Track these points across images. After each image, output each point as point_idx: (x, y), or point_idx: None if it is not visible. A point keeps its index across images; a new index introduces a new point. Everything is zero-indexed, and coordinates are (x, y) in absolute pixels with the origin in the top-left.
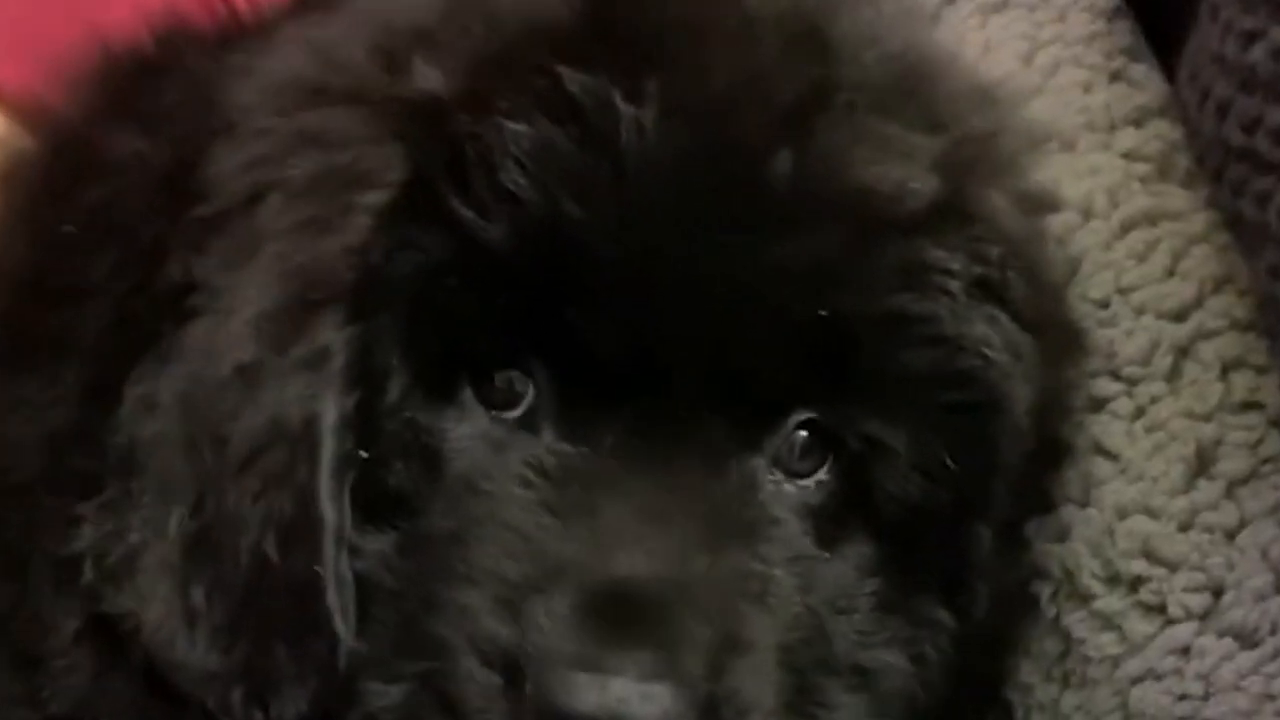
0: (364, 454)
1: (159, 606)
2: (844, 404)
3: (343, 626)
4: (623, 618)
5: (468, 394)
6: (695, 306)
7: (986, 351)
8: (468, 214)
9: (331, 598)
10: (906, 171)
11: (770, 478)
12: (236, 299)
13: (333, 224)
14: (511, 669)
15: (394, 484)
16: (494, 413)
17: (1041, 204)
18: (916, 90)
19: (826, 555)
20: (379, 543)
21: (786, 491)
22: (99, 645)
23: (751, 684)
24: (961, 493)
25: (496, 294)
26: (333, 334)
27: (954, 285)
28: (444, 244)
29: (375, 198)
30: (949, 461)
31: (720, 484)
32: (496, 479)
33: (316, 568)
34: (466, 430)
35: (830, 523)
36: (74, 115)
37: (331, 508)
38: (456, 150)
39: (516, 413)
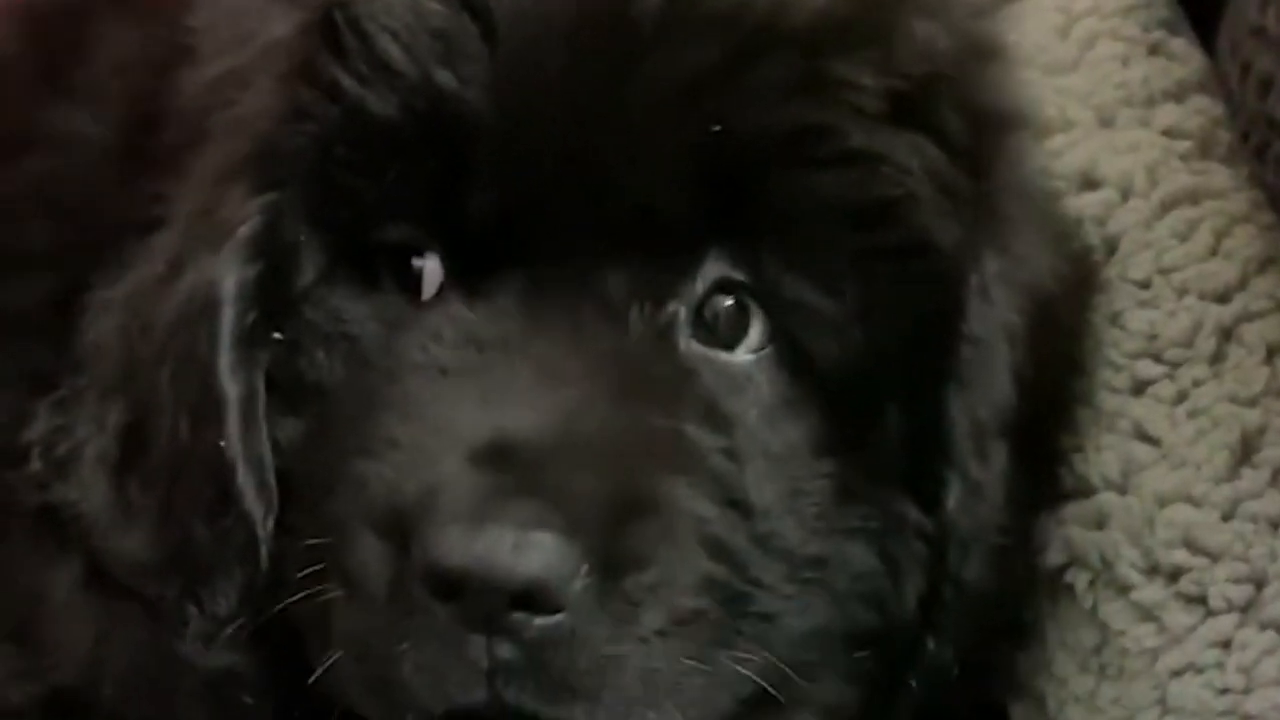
0: (277, 335)
1: (97, 499)
2: (760, 257)
3: (256, 506)
4: (509, 472)
5: (385, 280)
6: (574, 154)
7: (909, 182)
8: (351, 85)
9: (240, 476)
10: None
11: (696, 346)
12: (181, 201)
13: (239, 99)
14: (400, 533)
15: (313, 375)
16: (407, 295)
17: (991, 51)
18: None
19: (767, 429)
20: (295, 429)
21: (712, 356)
22: (94, 613)
23: (659, 550)
24: (924, 358)
25: (386, 166)
26: (237, 206)
27: (863, 100)
28: (332, 114)
29: (269, 64)
30: (891, 318)
31: (623, 338)
32: (397, 354)
33: (220, 444)
34: (380, 311)
35: (771, 394)
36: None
37: (234, 382)
38: (333, 18)
39: (431, 293)
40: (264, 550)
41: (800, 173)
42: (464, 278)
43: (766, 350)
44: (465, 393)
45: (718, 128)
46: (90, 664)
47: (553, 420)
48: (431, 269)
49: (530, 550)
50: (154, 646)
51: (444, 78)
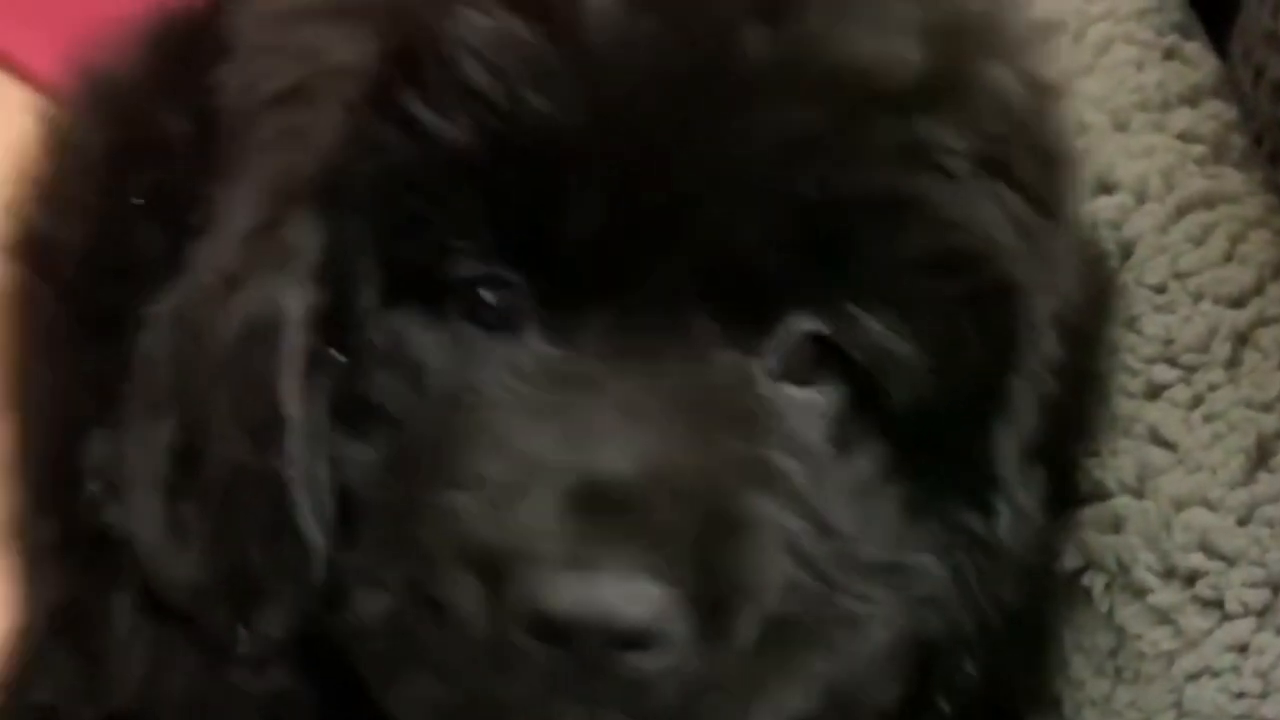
0: (340, 357)
1: (150, 522)
2: (845, 306)
3: (315, 530)
4: (605, 514)
5: (456, 309)
6: (673, 198)
7: (994, 233)
8: (427, 114)
9: (300, 499)
10: (893, 44)
11: (775, 385)
12: (227, 213)
13: (305, 125)
14: (495, 572)
15: (378, 398)
16: (482, 327)
17: (1051, 90)
18: None
19: (840, 458)
20: (364, 454)
21: (792, 393)
22: (150, 639)
23: (749, 563)
24: (979, 392)
25: (463, 198)
26: (301, 231)
27: (953, 162)
28: (406, 146)
29: (341, 93)
30: (965, 360)
31: (709, 377)
32: (479, 388)
33: (283, 468)
34: (448, 340)
35: (843, 428)
36: (129, 86)
37: (297, 406)
38: (411, 45)
39: (503, 325)
40: (318, 573)
41: (891, 234)
42: (545, 310)
43: (841, 388)
44: (553, 431)
45: (817, 193)
46: (147, 690)
47: (642, 459)
48: (504, 298)
49: (638, 596)
50: (208, 672)
51: (537, 101)
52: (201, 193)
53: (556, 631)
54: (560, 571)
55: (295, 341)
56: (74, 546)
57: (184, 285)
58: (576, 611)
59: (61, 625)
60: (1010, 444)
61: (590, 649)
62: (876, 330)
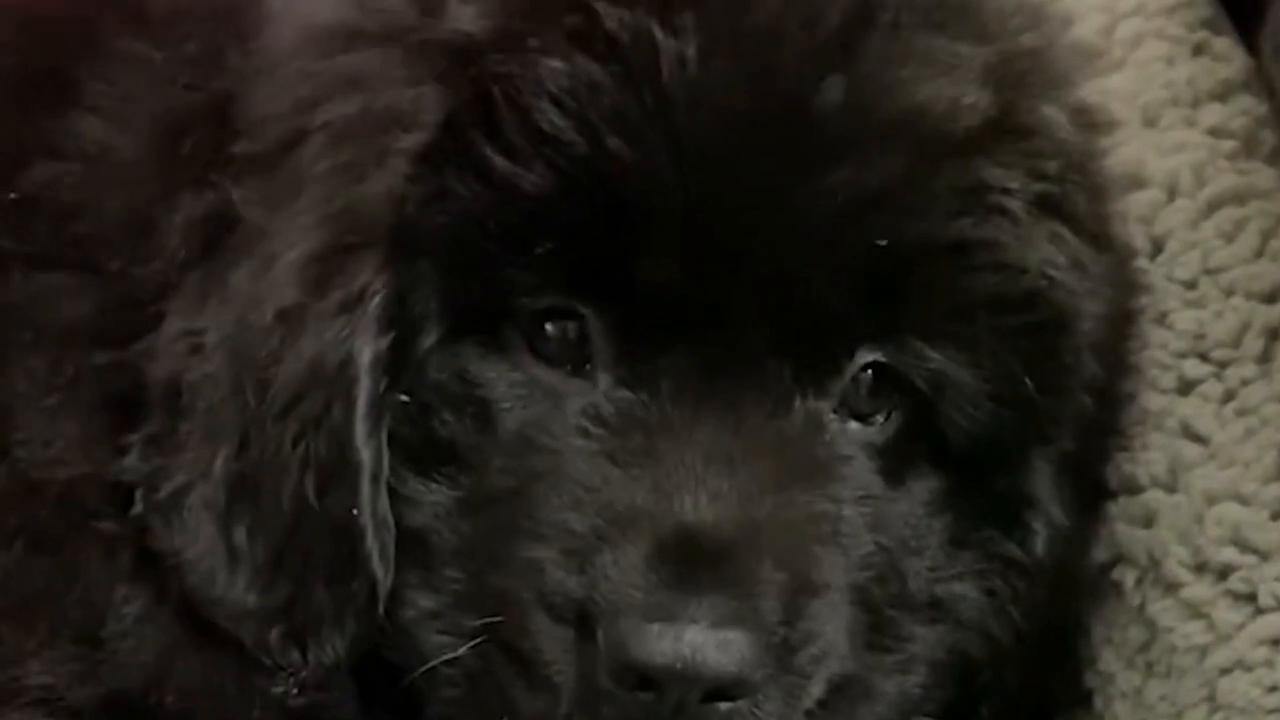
0: (404, 398)
1: (201, 544)
2: (908, 339)
3: (380, 569)
4: (693, 564)
5: (516, 343)
6: (749, 243)
7: (1051, 272)
8: (502, 161)
9: (369, 540)
10: (958, 88)
11: (836, 419)
12: (279, 243)
13: (370, 168)
14: (582, 621)
15: (445, 435)
16: (546, 361)
17: (1095, 119)
18: (962, 5)
19: (894, 493)
20: (437, 495)
21: (852, 431)
22: (165, 627)
23: (826, 626)
24: (1028, 420)
25: (537, 241)
26: (369, 276)
27: (1014, 204)
28: (479, 193)
29: (411, 140)
30: (1017, 389)
31: (785, 424)
32: (554, 431)
33: (354, 510)
34: (517, 379)
35: (897, 459)
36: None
37: (367, 449)
38: (489, 92)
39: (569, 361)
40: (381, 610)
41: (955, 276)
42: (619, 353)
43: (900, 420)
44: (637, 480)
45: (887, 238)
46: (155, 672)
47: (727, 510)
48: (573, 334)
49: (728, 648)
50: (228, 669)
51: (615, 145)
52: (224, 214)
53: (647, 680)
54: (652, 622)
55: (366, 386)
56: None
57: (228, 312)
58: (669, 661)
59: (64, 609)
60: (1048, 466)
61: (676, 696)
62: (937, 359)
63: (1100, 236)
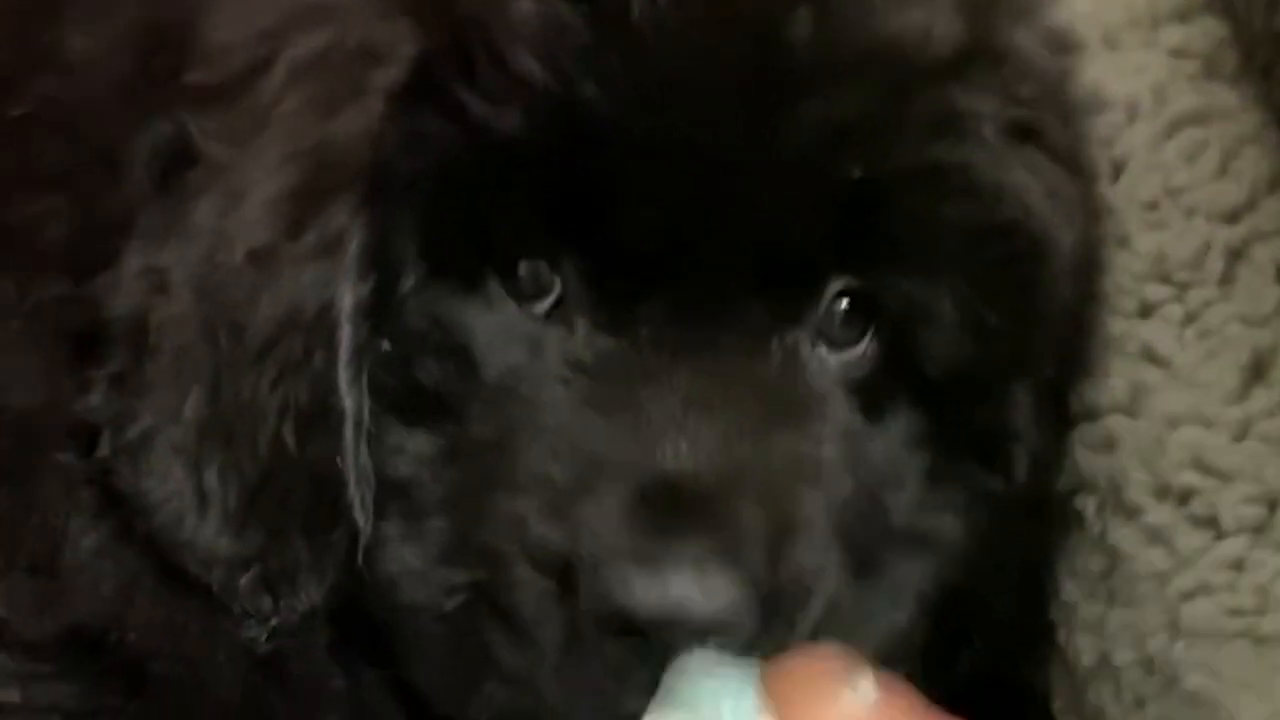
0: (386, 345)
1: (170, 487)
2: (883, 268)
3: (362, 517)
4: (675, 511)
5: (494, 287)
6: (723, 181)
7: (1028, 200)
8: (477, 103)
9: (352, 489)
10: (930, 16)
11: (813, 351)
12: (245, 179)
13: (344, 104)
14: (565, 573)
15: (427, 382)
16: (523, 305)
17: (1067, 43)
18: None
19: (873, 430)
20: (421, 445)
21: (830, 364)
22: (125, 559)
23: (811, 564)
24: (1005, 350)
25: (513, 185)
26: (347, 219)
27: (988, 130)
28: (455, 135)
29: (387, 77)
30: (994, 317)
31: (763, 365)
32: (534, 379)
33: (337, 458)
34: (495, 324)
35: (876, 395)
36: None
37: (350, 397)
38: (461, 33)
39: (545, 304)
40: (359, 559)
41: (930, 204)
42: (596, 298)
43: (877, 352)
44: (619, 428)
45: (862, 170)
46: (114, 608)
47: (710, 456)
48: (548, 278)
49: (713, 591)
50: (193, 610)
51: (587, 89)
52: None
53: (632, 629)
54: (636, 569)
55: (348, 333)
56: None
57: (192, 250)
58: (654, 608)
59: (20, 537)
60: (1028, 396)
61: (663, 641)
62: (912, 289)
63: (1074, 162)
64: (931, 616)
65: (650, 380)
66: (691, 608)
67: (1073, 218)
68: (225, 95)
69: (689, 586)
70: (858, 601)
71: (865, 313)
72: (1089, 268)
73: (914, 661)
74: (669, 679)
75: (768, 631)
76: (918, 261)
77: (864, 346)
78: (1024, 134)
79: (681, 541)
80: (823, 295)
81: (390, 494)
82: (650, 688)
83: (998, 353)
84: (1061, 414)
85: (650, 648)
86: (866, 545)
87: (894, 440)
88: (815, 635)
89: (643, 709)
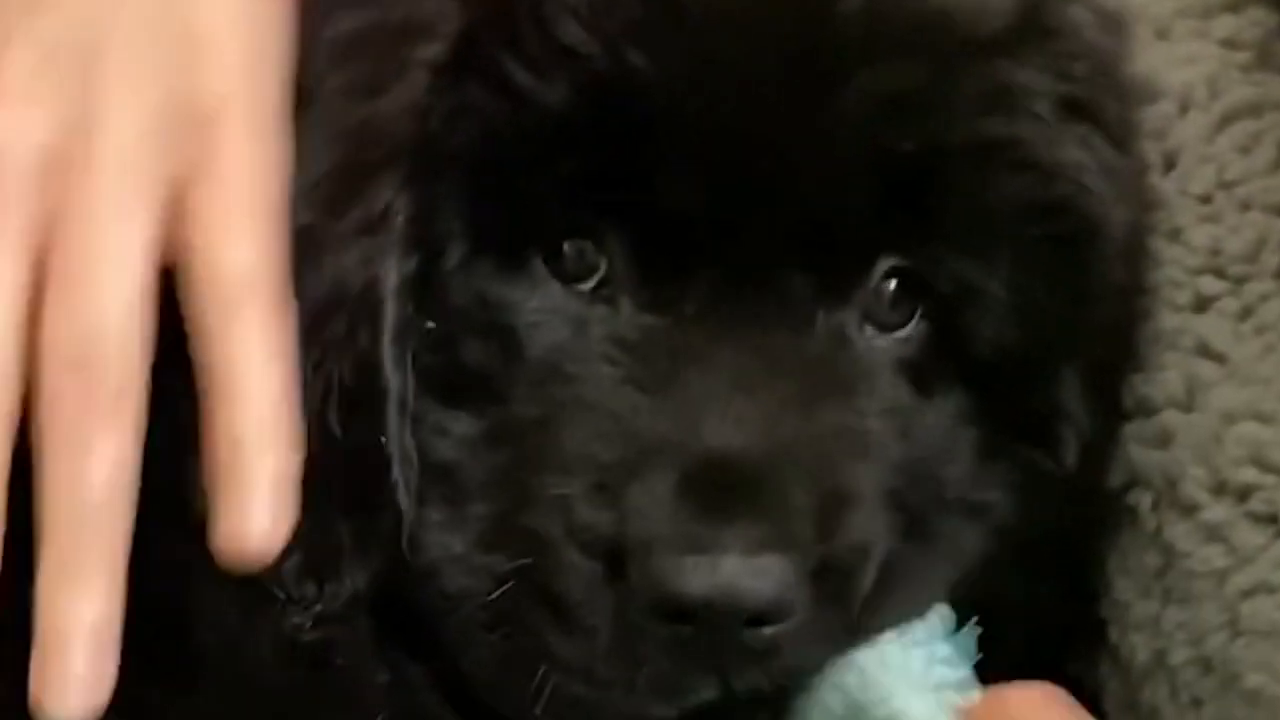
0: (430, 324)
1: None
2: (933, 246)
3: (406, 500)
4: (723, 492)
5: (538, 265)
6: (769, 156)
7: (1082, 178)
8: (523, 75)
9: (396, 470)
10: None
11: (860, 332)
12: (294, 158)
13: (387, 81)
14: (613, 557)
15: (471, 362)
16: (567, 284)
17: (1119, 23)
18: None
19: (923, 406)
20: (464, 426)
21: (878, 345)
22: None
23: (863, 533)
24: (1055, 331)
25: (560, 159)
26: (392, 195)
27: (1042, 106)
28: (500, 108)
29: (430, 51)
30: (1044, 298)
31: (810, 342)
32: (579, 359)
33: (381, 439)
34: (540, 304)
35: (925, 373)
36: None
37: (395, 377)
38: (507, 4)
39: (590, 283)
40: (404, 543)
41: (981, 180)
42: (641, 275)
43: (925, 332)
44: (664, 408)
45: (911, 145)
46: (157, 598)
47: (756, 434)
48: (593, 257)
49: (766, 574)
50: (234, 599)
51: (635, 59)
52: None
53: (685, 614)
54: (686, 554)
55: (393, 312)
56: None
57: None
58: (705, 593)
59: None
60: (1077, 377)
61: (717, 626)
62: (962, 269)
63: (1126, 141)
64: (974, 578)
65: (695, 359)
66: (743, 591)
67: (1126, 197)
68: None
69: (740, 570)
70: (911, 562)
71: (913, 293)
72: (1139, 251)
73: None
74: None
75: (822, 609)
76: (968, 239)
77: (912, 328)
78: (1078, 110)
79: (730, 524)
80: (871, 273)
81: (432, 478)
82: (708, 669)
83: (1047, 333)
84: (1112, 403)
85: (704, 632)
86: (919, 511)
87: (944, 416)
88: (871, 600)
89: (702, 692)
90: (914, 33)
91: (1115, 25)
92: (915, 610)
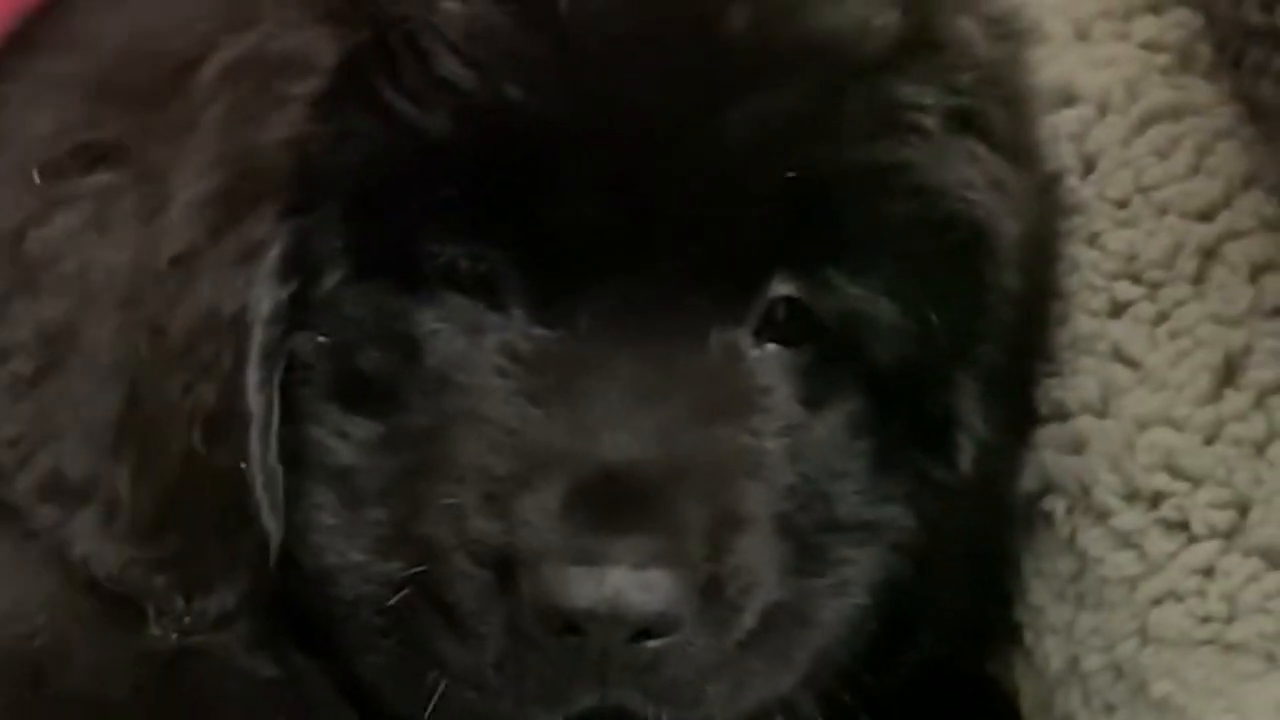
0: (321, 338)
1: (76, 493)
2: (824, 269)
3: (272, 521)
4: (614, 505)
5: (434, 277)
6: (657, 177)
7: (969, 193)
8: (402, 104)
9: (259, 492)
10: (867, 8)
11: (754, 345)
12: (173, 180)
13: (266, 113)
14: (504, 567)
15: (370, 370)
16: (463, 294)
17: (1013, 29)
18: None
19: (816, 419)
20: (362, 431)
21: (771, 356)
22: (21, 570)
23: (752, 558)
24: (948, 340)
25: (442, 184)
26: (268, 227)
27: (928, 122)
28: (381, 135)
29: (307, 86)
30: (938, 310)
31: (703, 357)
32: (472, 369)
33: (241, 462)
34: (436, 313)
35: (819, 382)
36: None
37: (258, 399)
38: (385, 36)
39: (485, 294)
40: (273, 561)
41: (871, 200)
42: (533, 291)
43: (820, 344)
44: (557, 420)
45: (799, 169)
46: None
47: (649, 448)
48: (485, 268)
49: (652, 588)
50: (80, 615)
51: (514, 92)
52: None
53: (572, 625)
54: (574, 566)
55: (260, 338)
56: None
57: (115, 253)
58: (592, 604)
59: None
60: (972, 382)
61: (603, 637)
62: (853, 294)
63: (1019, 151)
64: (881, 606)
65: (588, 372)
66: (631, 604)
67: (1018, 209)
68: (156, 94)
69: (628, 583)
70: (802, 594)
71: (805, 318)
72: (1041, 258)
73: (863, 650)
74: None
75: (708, 627)
76: (860, 258)
77: (807, 341)
78: (964, 123)
79: (619, 537)
80: (764, 293)
81: (329, 482)
82: (590, 680)
83: (941, 343)
84: (1016, 407)
85: (591, 643)
86: (811, 537)
87: (837, 428)
88: (761, 627)
89: (587, 703)
90: (800, 55)
91: (1008, 34)
92: (812, 652)
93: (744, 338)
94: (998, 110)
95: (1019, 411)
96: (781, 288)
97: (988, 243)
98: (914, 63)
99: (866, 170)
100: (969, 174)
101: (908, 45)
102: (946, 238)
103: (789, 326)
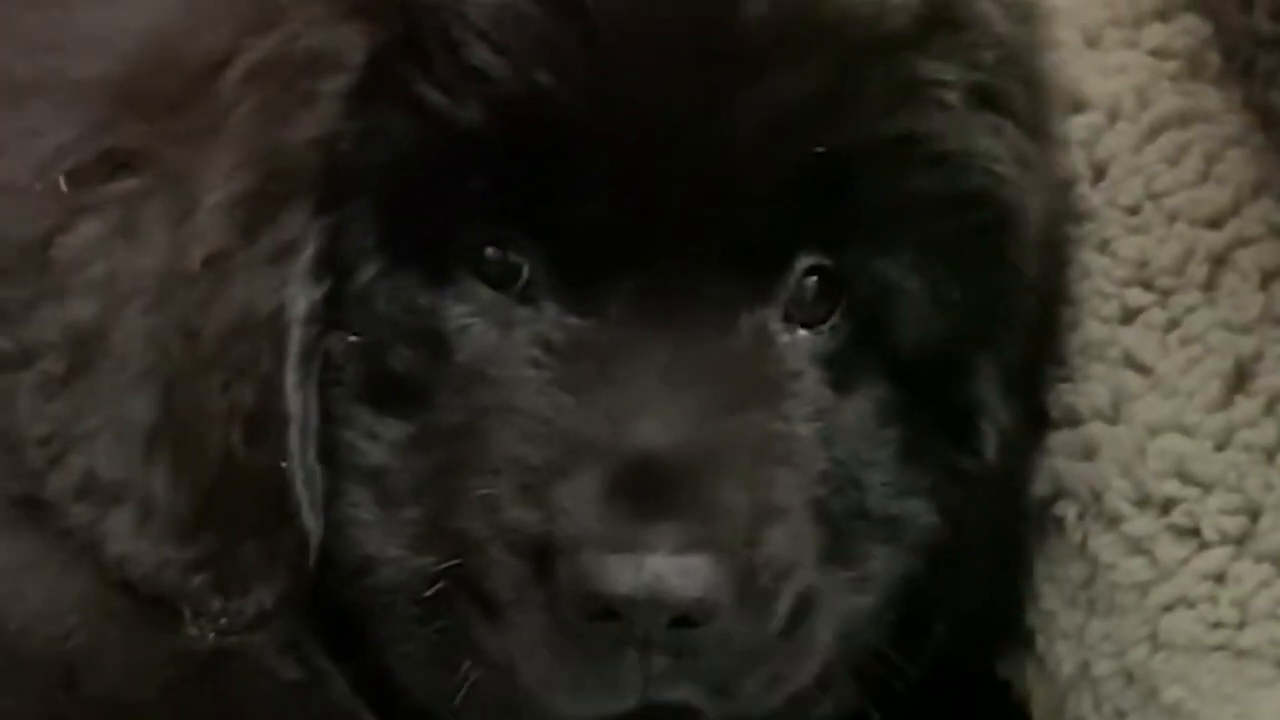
0: (352, 337)
1: (109, 493)
2: (851, 242)
3: (311, 520)
4: (651, 492)
5: (463, 271)
6: (685, 162)
7: (995, 166)
8: (434, 96)
9: (299, 491)
10: None
11: (783, 329)
12: (201, 183)
13: (295, 112)
14: (541, 556)
15: (399, 369)
16: (492, 288)
17: (1030, 13)
18: None
19: (845, 405)
20: (394, 431)
21: (800, 340)
22: (52, 571)
23: (788, 547)
24: (972, 322)
25: (474, 175)
26: (301, 226)
27: (951, 97)
28: (412, 128)
29: (337, 83)
30: (964, 289)
31: (734, 342)
32: (504, 362)
33: (282, 462)
34: (467, 307)
35: (846, 369)
36: None
37: (296, 399)
38: (416, 28)
39: (515, 287)
40: (312, 559)
41: (895, 175)
42: (563, 281)
43: (846, 327)
44: (592, 408)
45: (823, 146)
46: (39, 621)
47: (683, 434)
48: (516, 260)
49: (691, 574)
50: (114, 616)
51: (544, 79)
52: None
53: (611, 612)
54: (612, 553)
55: (297, 336)
56: None
57: (145, 257)
58: (631, 591)
59: None
60: (995, 367)
61: (642, 624)
62: (878, 271)
63: (1040, 130)
64: (895, 607)
65: (621, 359)
66: (669, 590)
67: (1040, 185)
68: (178, 98)
69: (667, 569)
70: (828, 582)
71: (834, 289)
72: (1058, 243)
73: (883, 644)
74: None
75: (745, 614)
76: (885, 234)
77: (833, 322)
78: (988, 99)
79: (658, 523)
80: (791, 272)
81: (363, 481)
82: (630, 670)
83: (966, 324)
84: (1032, 402)
85: (630, 630)
86: (841, 528)
87: (865, 414)
88: (787, 626)
89: (627, 694)
90: (818, 34)
91: (1025, 15)
92: (836, 641)
93: (773, 320)
94: (1018, 89)
95: (1034, 409)
96: (808, 260)
97: (1012, 219)
98: (934, 40)
99: (888, 142)
100: (992, 146)
101: (928, 23)
102: (970, 214)
103: (817, 305)
